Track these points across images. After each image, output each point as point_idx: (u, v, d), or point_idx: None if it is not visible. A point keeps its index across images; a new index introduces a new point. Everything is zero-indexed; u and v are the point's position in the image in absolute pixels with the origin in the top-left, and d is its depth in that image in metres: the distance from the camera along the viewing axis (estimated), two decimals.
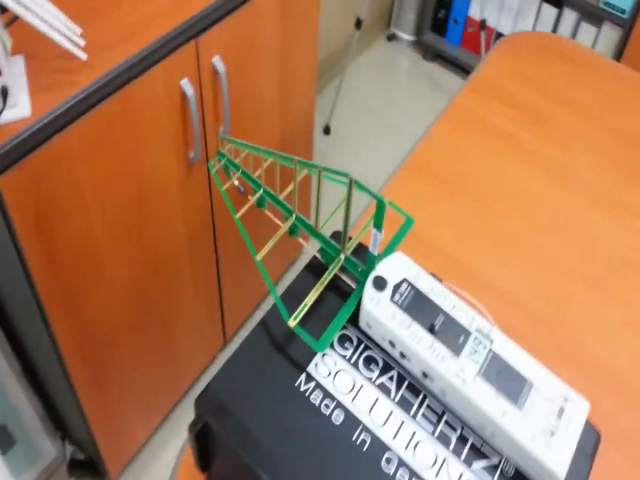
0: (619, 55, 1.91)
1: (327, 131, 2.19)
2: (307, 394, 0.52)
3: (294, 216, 0.63)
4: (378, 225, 0.55)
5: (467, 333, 0.54)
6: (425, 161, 1.03)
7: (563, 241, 0.92)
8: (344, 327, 0.58)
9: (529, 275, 0.88)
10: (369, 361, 0.55)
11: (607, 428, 0.74)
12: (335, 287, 0.62)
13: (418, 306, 0.55)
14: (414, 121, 2.28)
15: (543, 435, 0.49)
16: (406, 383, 0.54)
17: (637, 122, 1.11)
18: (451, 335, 0.54)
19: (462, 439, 0.51)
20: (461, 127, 1.10)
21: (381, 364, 0.55)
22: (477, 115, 1.12)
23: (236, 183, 0.68)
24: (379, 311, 0.55)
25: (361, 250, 0.63)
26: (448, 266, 0.88)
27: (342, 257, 0.60)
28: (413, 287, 0.57)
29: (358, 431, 0.51)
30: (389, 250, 0.62)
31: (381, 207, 0.54)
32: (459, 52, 2.40)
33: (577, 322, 0.83)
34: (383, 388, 0.54)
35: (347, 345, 0.56)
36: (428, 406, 0.53)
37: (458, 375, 0.51)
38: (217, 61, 1.08)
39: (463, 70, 2.43)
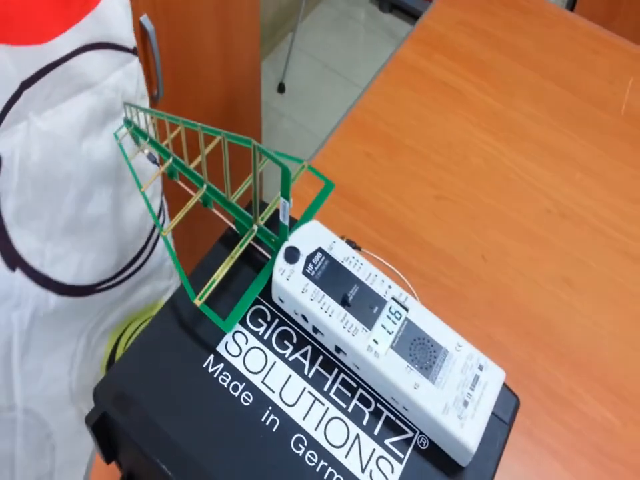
0: (572, 3, 1.87)
1: (281, 88, 2.12)
2: (215, 375, 0.50)
3: (205, 186, 0.60)
4: (285, 195, 0.52)
5: (382, 302, 0.52)
6: (363, 118, 1.00)
7: (501, 194, 0.90)
8: (259, 302, 0.55)
9: (466, 232, 0.86)
10: (283, 337, 0.53)
11: (541, 383, 0.74)
12: (253, 260, 0.59)
13: (332, 277, 0.53)
14: (371, 75, 2.22)
15: (455, 406, 0.47)
16: (320, 359, 0.52)
17: (582, 71, 1.08)
18: (365, 305, 0.51)
19: (376, 414, 0.50)
20: (402, 81, 1.06)
21: (295, 339, 0.53)
22: (419, 68, 1.08)
23: (145, 152, 0.64)
24: (290, 284, 0.52)
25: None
26: (382, 226, 0.85)
27: (255, 227, 0.57)
28: (328, 257, 0.54)
29: (267, 412, 0.49)
30: (306, 217, 0.59)
31: (286, 176, 0.51)
32: (415, 1, 2.33)
33: (514, 278, 0.82)
34: (297, 364, 0.51)
35: (260, 320, 0.54)
36: (342, 381, 0.51)
37: (370, 347, 0.49)
38: (145, 19, 1.02)
39: None
